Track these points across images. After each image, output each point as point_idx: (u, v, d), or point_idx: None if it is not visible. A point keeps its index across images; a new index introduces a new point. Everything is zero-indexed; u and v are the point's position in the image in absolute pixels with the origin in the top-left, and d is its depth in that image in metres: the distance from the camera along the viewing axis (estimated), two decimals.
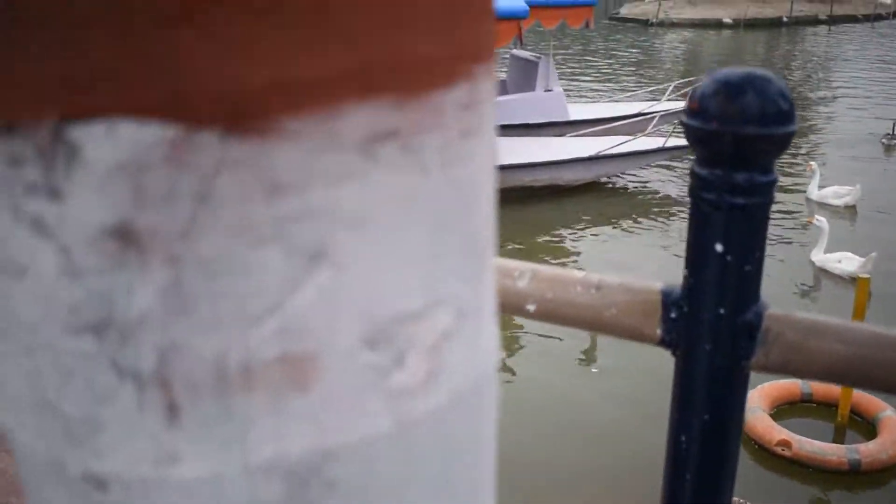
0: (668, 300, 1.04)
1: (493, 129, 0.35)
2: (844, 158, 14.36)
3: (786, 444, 5.39)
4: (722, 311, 0.99)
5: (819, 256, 8.75)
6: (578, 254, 9.77)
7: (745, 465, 5.38)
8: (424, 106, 0.30)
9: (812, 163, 9.68)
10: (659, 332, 1.05)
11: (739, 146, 0.93)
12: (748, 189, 0.95)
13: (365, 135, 0.28)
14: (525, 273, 1.12)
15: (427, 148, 0.30)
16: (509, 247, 9.84)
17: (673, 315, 1.03)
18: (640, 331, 1.06)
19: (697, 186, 0.97)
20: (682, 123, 0.96)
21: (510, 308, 1.12)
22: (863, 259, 8.43)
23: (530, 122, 13.46)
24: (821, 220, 8.73)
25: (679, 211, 11.04)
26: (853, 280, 8.39)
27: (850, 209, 10.89)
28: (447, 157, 0.31)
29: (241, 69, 0.25)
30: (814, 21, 41.14)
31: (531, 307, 1.11)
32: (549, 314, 1.11)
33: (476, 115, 0.32)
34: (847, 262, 8.53)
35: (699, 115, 0.94)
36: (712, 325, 1.00)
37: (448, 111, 0.31)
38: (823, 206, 10.56)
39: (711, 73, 0.96)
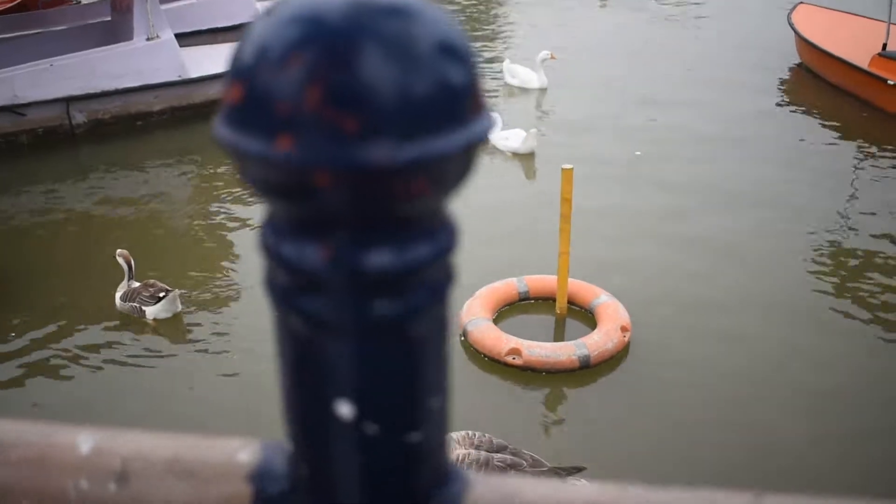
0: (264, 496, 0.49)
1: None
2: (556, 14, 14.43)
3: (516, 352, 5.20)
4: None
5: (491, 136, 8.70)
6: None
7: (479, 378, 5.15)
8: None
9: None
10: None
11: (369, 198, 0.38)
12: (397, 284, 0.41)
13: None
14: None
15: None
16: (217, 169, 8.95)
17: None
18: None
19: (283, 286, 0.42)
20: (223, 146, 0.40)
21: None
22: (524, 134, 8.58)
23: (218, 26, 12.38)
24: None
25: None
26: (517, 155, 8.55)
27: (543, 91, 10.83)
28: None
29: None
30: None
31: None
32: None
33: None
34: (514, 139, 8.63)
35: (255, 124, 0.38)
36: None
37: None
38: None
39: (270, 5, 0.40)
